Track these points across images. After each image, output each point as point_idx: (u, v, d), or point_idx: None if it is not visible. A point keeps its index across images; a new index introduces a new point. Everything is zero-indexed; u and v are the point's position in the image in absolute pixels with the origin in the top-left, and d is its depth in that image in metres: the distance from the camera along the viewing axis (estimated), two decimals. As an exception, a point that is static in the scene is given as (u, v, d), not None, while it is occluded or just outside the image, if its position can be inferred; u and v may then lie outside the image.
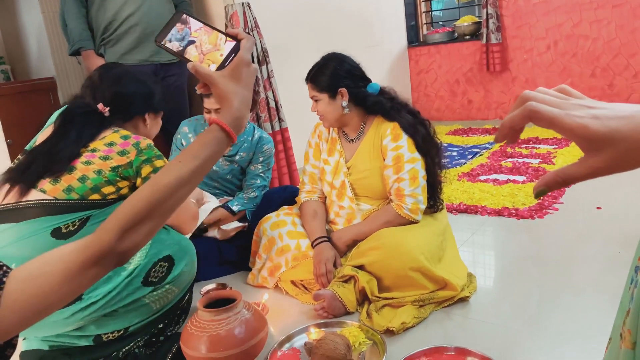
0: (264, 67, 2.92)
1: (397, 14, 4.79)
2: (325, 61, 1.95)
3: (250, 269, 2.17)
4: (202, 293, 1.89)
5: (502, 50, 4.40)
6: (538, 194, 0.56)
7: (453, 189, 3.00)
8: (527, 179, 3.03)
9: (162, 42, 0.83)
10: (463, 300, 1.78)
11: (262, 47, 2.89)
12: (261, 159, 2.37)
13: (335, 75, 1.90)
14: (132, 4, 2.62)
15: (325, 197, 2.10)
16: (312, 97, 1.97)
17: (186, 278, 1.61)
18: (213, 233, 2.24)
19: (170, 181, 0.76)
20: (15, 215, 1.37)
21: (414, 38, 4.99)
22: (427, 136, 1.92)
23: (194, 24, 0.84)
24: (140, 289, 1.47)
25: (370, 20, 4.35)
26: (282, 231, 2.04)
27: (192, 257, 1.64)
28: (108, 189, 1.46)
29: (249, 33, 2.81)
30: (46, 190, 1.40)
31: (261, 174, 2.36)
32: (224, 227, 2.24)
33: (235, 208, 2.26)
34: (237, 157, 2.36)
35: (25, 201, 1.38)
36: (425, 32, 5.08)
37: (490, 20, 4.33)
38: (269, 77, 2.94)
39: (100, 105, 1.56)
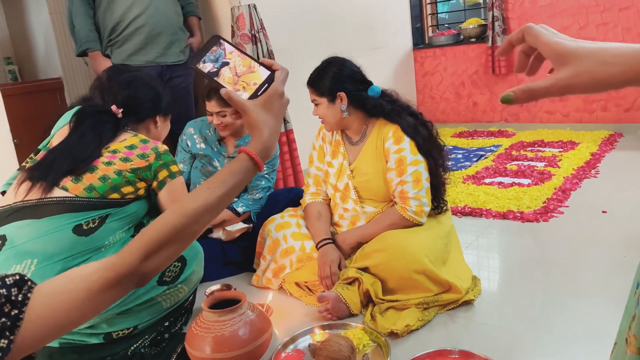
0: (269, 69, 2.93)
1: (403, 16, 4.79)
2: (325, 65, 1.96)
3: (254, 270, 2.18)
4: (206, 294, 1.90)
5: (508, 53, 4.40)
6: (503, 99, 0.61)
7: (458, 191, 3.00)
8: (532, 182, 3.02)
9: (197, 65, 0.83)
10: (467, 303, 1.78)
11: (267, 49, 2.90)
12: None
13: (334, 79, 1.91)
14: (139, 5, 2.63)
15: (330, 199, 2.10)
16: (312, 101, 1.99)
17: (196, 277, 1.66)
18: (218, 234, 2.25)
19: (197, 207, 0.77)
20: (38, 211, 1.40)
21: (419, 40, 4.99)
22: (429, 137, 1.92)
23: (229, 47, 0.84)
24: (155, 288, 1.52)
25: (376, 22, 4.36)
26: (287, 233, 2.05)
27: (201, 257, 1.69)
28: (127, 189, 1.51)
29: (254, 35, 2.83)
30: (68, 188, 1.44)
31: (266, 176, 2.37)
32: (228, 228, 2.25)
33: (240, 209, 2.26)
34: (242, 159, 2.37)
35: (49, 198, 1.42)
36: (430, 34, 5.07)
37: (496, 23, 4.32)
38: (274, 79, 2.95)
39: (113, 107, 1.61)
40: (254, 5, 2.84)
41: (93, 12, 2.68)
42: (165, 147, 1.61)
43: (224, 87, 0.82)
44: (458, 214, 2.69)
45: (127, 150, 1.54)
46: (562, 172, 3.13)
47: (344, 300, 1.73)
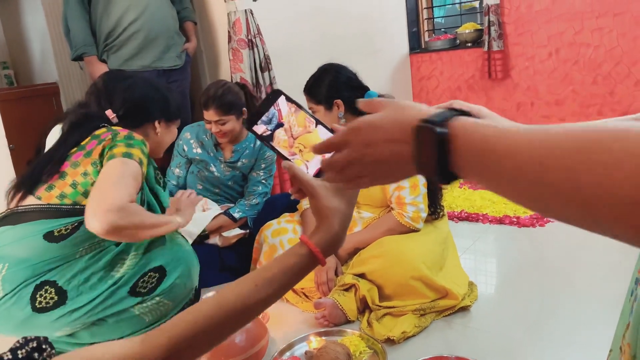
0: (266, 74, 2.93)
1: (399, 21, 4.80)
2: (321, 72, 1.97)
3: (251, 276, 2.17)
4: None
5: (504, 58, 4.41)
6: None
7: (454, 196, 3.00)
8: (529, 186, 3.03)
9: (252, 127, 0.73)
10: (464, 309, 1.78)
11: (264, 54, 2.90)
12: (263, 165, 2.38)
13: (331, 86, 1.91)
14: (135, 10, 2.63)
15: None
16: (309, 109, 1.98)
17: (180, 291, 1.53)
18: (214, 240, 2.24)
19: (238, 304, 0.66)
20: (14, 219, 1.41)
21: (415, 45, 5.00)
22: None
23: (283, 105, 0.74)
24: (127, 298, 1.44)
25: (372, 27, 4.37)
26: (284, 239, 2.04)
27: (188, 267, 1.57)
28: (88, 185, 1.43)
29: (251, 40, 2.83)
30: (42, 197, 1.42)
31: (263, 181, 2.37)
32: (225, 234, 2.24)
33: (236, 215, 2.26)
34: (239, 164, 2.36)
35: (23, 206, 1.42)
36: (427, 38, 5.08)
37: (492, 28, 4.33)
38: (271, 84, 2.95)
39: (108, 112, 1.57)
40: (251, 10, 2.84)
41: (89, 17, 2.68)
42: (129, 133, 1.48)
43: (281, 154, 0.72)
44: (455, 218, 2.69)
45: (90, 142, 1.46)
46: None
47: (340, 307, 1.73)
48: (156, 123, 1.66)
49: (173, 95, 1.73)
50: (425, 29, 5.10)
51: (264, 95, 2.92)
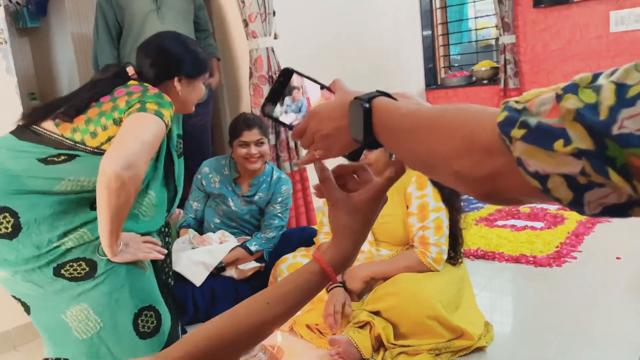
0: (285, 109, 3.00)
1: (416, 57, 4.89)
2: None
3: (266, 310, 2.18)
4: (218, 333, 1.90)
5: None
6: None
7: (471, 234, 2.99)
8: (545, 225, 3.01)
9: (273, 114, 0.71)
10: (480, 349, 1.76)
11: (283, 90, 2.98)
12: (279, 199, 2.41)
13: None
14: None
15: None
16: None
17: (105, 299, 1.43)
18: (230, 272, 2.26)
19: (251, 321, 0.67)
20: (23, 133, 1.41)
21: (431, 81, 5.07)
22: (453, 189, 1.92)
23: (310, 85, 0.73)
24: (49, 272, 1.38)
25: (389, 63, 4.45)
26: (299, 273, 2.05)
27: (128, 286, 1.46)
28: (103, 136, 1.40)
29: (272, 77, 2.91)
30: (59, 124, 1.40)
31: (279, 215, 2.40)
32: (241, 266, 2.27)
33: (253, 248, 2.28)
34: (256, 198, 2.40)
35: (35, 127, 1.41)
36: (443, 75, 5.16)
37: (508, 66, 4.39)
38: (289, 119, 3.02)
39: (129, 68, 1.55)
40: (272, 48, 2.93)
41: (117, 53, 2.78)
42: (159, 92, 1.44)
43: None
44: (471, 256, 2.68)
45: (119, 90, 1.43)
46: (575, 216, 3.12)
47: (355, 344, 1.72)
48: (175, 81, 1.56)
49: (195, 49, 1.61)
50: (442, 65, 5.18)
51: (282, 130, 2.98)
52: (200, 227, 2.49)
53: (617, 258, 2.47)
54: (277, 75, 0.73)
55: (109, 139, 1.39)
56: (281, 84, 0.71)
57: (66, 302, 1.39)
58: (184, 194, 2.55)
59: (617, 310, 1.98)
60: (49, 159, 1.37)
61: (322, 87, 0.73)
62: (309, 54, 3.53)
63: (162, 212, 1.58)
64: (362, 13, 4.08)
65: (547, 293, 2.23)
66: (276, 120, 0.72)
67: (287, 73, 0.71)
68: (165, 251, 1.53)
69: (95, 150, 1.40)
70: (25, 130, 1.42)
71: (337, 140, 0.67)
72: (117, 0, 2.71)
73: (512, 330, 1.96)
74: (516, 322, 2.03)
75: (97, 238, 1.39)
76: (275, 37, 2.98)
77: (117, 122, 1.39)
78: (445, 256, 1.87)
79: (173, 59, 1.55)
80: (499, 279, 2.42)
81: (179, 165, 1.65)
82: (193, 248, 2.27)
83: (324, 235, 2.12)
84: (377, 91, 0.65)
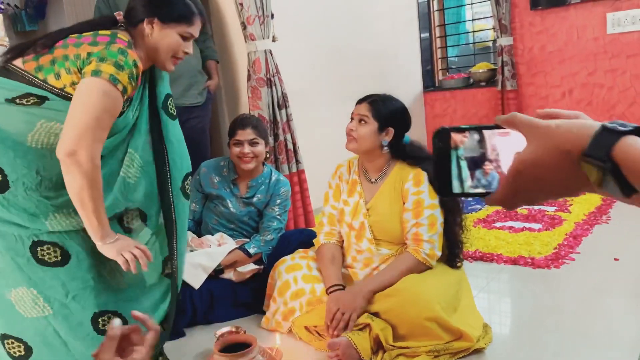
0: (283, 111, 3.00)
1: (414, 59, 4.90)
2: (388, 97, 1.97)
3: (264, 312, 2.18)
4: (216, 335, 1.90)
5: (518, 97, 4.46)
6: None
7: (469, 235, 2.99)
8: (543, 227, 3.02)
9: (460, 191, 0.57)
10: (478, 351, 1.76)
11: (282, 92, 2.99)
12: (278, 201, 2.41)
13: (394, 113, 1.94)
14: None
15: (343, 241, 2.11)
16: (359, 116, 1.93)
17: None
18: (229, 275, 2.26)
19: None
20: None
21: (429, 83, 5.09)
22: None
23: (477, 136, 0.57)
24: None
25: (388, 65, 4.46)
26: (297, 275, 2.06)
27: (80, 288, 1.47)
28: (67, 79, 1.39)
29: (270, 79, 2.91)
30: (26, 61, 1.40)
31: (278, 217, 2.40)
32: (239, 269, 2.27)
33: (251, 250, 2.28)
34: (255, 200, 2.40)
35: (9, 64, 1.41)
36: (441, 77, 5.17)
37: (506, 68, 4.40)
38: (287, 121, 3.02)
39: (117, 13, 1.53)
40: (270, 50, 2.94)
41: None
42: (125, 47, 1.40)
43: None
44: (469, 258, 2.68)
45: (87, 36, 1.42)
46: (573, 217, 3.13)
47: (354, 346, 1.72)
48: (145, 23, 1.49)
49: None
50: (439, 67, 5.19)
51: (280, 132, 2.98)
52: (198, 228, 2.49)
53: (615, 259, 2.48)
54: (433, 144, 0.58)
55: (73, 84, 1.38)
56: (442, 152, 0.57)
57: (16, 282, 1.40)
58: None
59: (615, 311, 1.99)
60: (17, 100, 1.36)
61: (490, 127, 0.58)
62: (307, 56, 3.54)
63: (151, 173, 1.56)
64: (360, 15, 4.09)
65: (545, 294, 2.23)
66: (468, 195, 0.58)
67: (443, 134, 0.57)
68: (146, 268, 1.45)
69: (61, 92, 1.39)
70: (1, 69, 1.42)
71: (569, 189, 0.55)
72: (115, 2, 2.71)
73: (510, 331, 1.96)
74: (514, 324, 2.03)
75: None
76: (274, 40, 2.99)
77: (79, 71, 1.38)
78: (438, 253, 1.88)
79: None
80: (497, 280, 2.43)
81: (174, 127, 1.62)
82: (191, 250, 2.26)
83: (324, 236, 2.12)
84: (604, 127, 0.49)
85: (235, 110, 3.31)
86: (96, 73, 1.34)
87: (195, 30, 1.58)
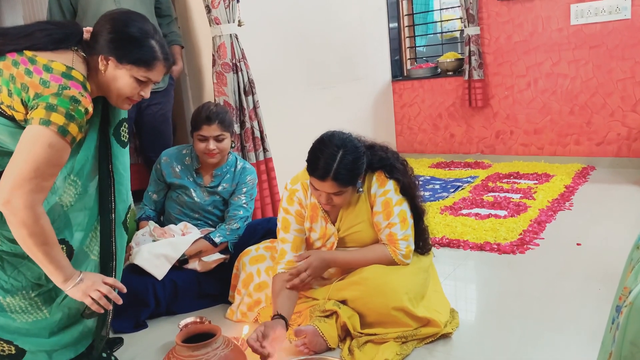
0: (249, 98, 2.93)
1: (382, 49, 4.88)
2: (338, 151, 1.69)
3: (230, 303, 2.13)
4: (180, 326, 1.85)
5: (484, 87, 4.50)
6: None
7: (436, 222, 3.01)
8: (509, 213, 3.05)
9: None
10: (445, 336, 1.76)
11: (248, 78, 2.92)
12: (244, 189, 2.36)
13: (358, 168, 1.74)
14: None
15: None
16: (333, 193, 1.73)
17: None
18: (193, 265, 2.20)
19: None
20: None
21: (398, 72, 5.08)
22: (404, 173, 1.87)
23: None
24: None
25: (356, 55, 4.43)
26: (261, 267, 2.02)
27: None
28: (6, 99, 1.32)
29: (235, 64, 2.84)
30: None
31: (244, 205, 2.34)
32: (205, 258, 2.21)
33: (217, 240, 2.22)
34: (220, 189, 2.34)
35: None
36: (409, 67, 5.18)
37: (473, 57, 4.43)
38: (254, 107, 2.96)
39: (86, 29, 1.46)
40: (236, 35, 2.86)
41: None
42: (76, 94, 1.31)
43: None
44: (436, 245, 2.69)
45: (40, 68, 1.33)
46: (537, 204, 3.17)
47: (321, 334, 1.70)
48: (101, 57, 1.40)
49: (149, 36, 1.43)
50: (408, 57, 5.19)
51: (247, 119, 2.91)
52: (160, 219, 2.41)
53: (578, 244, 2.52)
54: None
55: (10, 107, 1.33)
56: None
57: None
58: (143, 185, 2.47)
59: (578, 295, 2.02)
60: None
61: None
62: (274, 41, 3.47)
63: (88, 202, 1.50)
64: (329, 3, 4.04)
65: (511, 279, 2.26)
66: None
67: None
68: (111, 306, 1.46)
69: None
70: None
71: None
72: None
73: (476, 316, 1.97)
74: (481, 309, 2.04)
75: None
76: (240, 25, 2.91)
77: (21, 102, 1.32)
78: (412, 247, 1.85)
79: (114, 36, 1.40)
80: (464, 266, 2.44)
81: (123, 156, 1.56)
82: (154, 240, 2.19)
83: (284, 265, 1.87)
84: None
85: (200, 96, 3.22)
86: (45, 123, 1.28)
87: (155, 75, 1.47)
